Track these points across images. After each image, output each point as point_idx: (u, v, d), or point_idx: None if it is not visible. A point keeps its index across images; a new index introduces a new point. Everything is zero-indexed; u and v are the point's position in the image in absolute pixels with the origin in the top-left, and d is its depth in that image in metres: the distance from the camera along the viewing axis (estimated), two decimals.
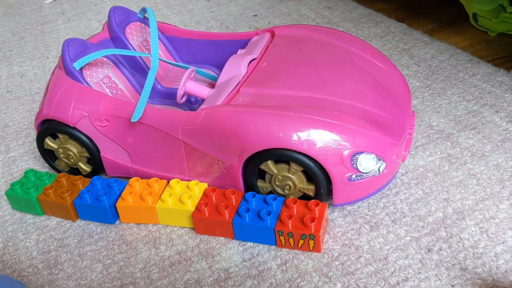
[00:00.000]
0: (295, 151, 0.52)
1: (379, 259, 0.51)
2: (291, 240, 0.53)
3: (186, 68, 0.70)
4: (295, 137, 0.52)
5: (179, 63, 0.71)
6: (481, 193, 0.58)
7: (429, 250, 0.52)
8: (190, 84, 0.62)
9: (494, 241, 0.52)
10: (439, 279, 0.49)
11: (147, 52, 0.74)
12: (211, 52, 0.76)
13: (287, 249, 0.54)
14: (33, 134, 0.78)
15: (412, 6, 1.09)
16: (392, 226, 0.55)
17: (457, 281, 0.48)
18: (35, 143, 0.76)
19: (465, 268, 0.49)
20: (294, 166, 0.54)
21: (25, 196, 0.61)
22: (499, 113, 0.71)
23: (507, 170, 0.61)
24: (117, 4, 1.24)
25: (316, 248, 0.53)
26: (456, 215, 0.56)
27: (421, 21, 1.03)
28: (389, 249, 0.52)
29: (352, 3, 1.12)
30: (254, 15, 1.12)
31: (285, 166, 0.55)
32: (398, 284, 0.49)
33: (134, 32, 0.74)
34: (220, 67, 0.77)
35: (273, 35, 0.71)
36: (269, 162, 0.55)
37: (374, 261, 0.51)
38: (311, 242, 0.52)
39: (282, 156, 0.53)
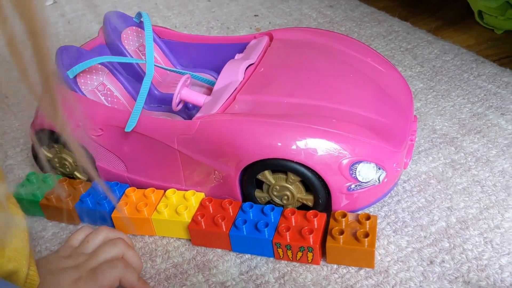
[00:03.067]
0: (293, 161, 0.51)
1: (379, 271, 0.50)
2: (289, 253, 0.52)
3: (181, 74, 0.68)
4: (292, 147, 0.50)
5: (175, 69, 0.70)
6: (485, 201, 0.56)
7: (431, 262, 0.50)
8: (185, 91, 0.60)
9: (499, 252, 0.50)
10: None
11: (143, 57, 0.73)
12: (209, 56, 0.75)
13: (286, 261, 0.52)
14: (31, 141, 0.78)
15: (416, 3, 1.07)
16: (393, 236, 0.54)
17: None
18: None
19: (469, 282, 0.48)
20: (292, 176, 0.52)
21: (30, 198, 0.60)
22: (505, 115, 0.69)
23: None
24: (118, 6, 1.23)
25: (315, 261, 0.51)
26: (460, 225, 0.54)
27: (425, 19, 1.00)
28: (390, 260, 0.51)
29: (354, 1, 1.10)
30: (255, 15, 1.10)
31: (282, 176, 0.53)
32: None
33: (131, 37, 0.72)
34: (218, 71, 0.75)
35: (271, 38, 0.69)
36: (266, 172, 0.53)
37: (374, 274, 0.50)
38: (310, 255, 0.51)
39: (280, 166, 0.52)
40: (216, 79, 0.74)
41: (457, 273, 0.49)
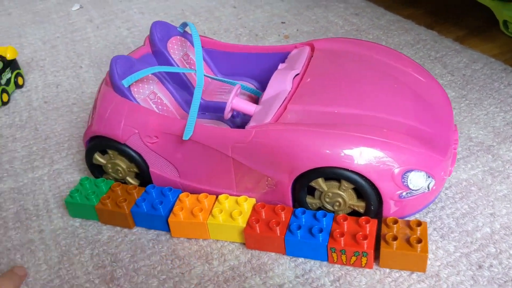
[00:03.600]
0: (347, 170, 0.53)
1: (431, 275, 0.52)
2: (343, 257, 0.54)
3: (231, 84, 0.71)
4: (346, 156, 0.53)
5: (225, 79, 0.72)
6: None
7: (480, 267, 0.53)
8: (236, 100, 0.63)
9: None
10: None
11: (188, 66, 0.75)
12: (249, 65, 0.77)
13: (339, 265, 0.55)
14: (75, 146, 0.80)
15: (440, 11, 1.10)
16: (441, 241, 0.56)
17: None
18: (77, 155, 0.78)
19: None
20: (345, 183, 0.55)
21: (85, 202, 0.63)
22: None
23: None
24: (144, 12, 1.26)
25: (369, 265, 0.54)
26: (504, 231, 0.56)
27: (450, 28, 1.03)
28: (439, 265, 0.53)
29: (379, 9, 1.12)
30: (282, 22, 1.13)
31: (335, 183, 0.56)
32: None
33: (175, 47, 0.75)
34: (258, 79, 0.78)
35: (312, 48, 0.72)
36: (320, 180, 0.56)
37: (426, 278, 0.52)
38: (364, 259, 0.53)
39: (334, 174, 0.54)
40: (256, 87, 0.77)
41: (506, 277, 0.51)
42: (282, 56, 0.74)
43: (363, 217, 0.55)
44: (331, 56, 0.69)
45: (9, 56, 0.95)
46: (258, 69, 0.77)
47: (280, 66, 0.70)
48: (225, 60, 0.78)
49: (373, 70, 0.65)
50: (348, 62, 0.67)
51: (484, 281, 0.51)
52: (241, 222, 0.58)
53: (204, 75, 0.68)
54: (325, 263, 0.55)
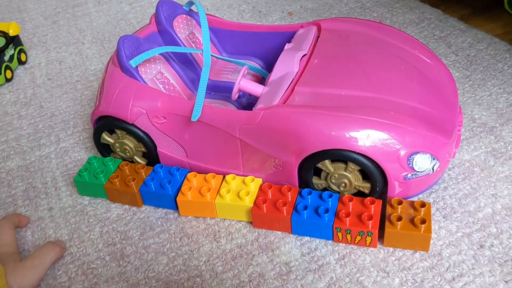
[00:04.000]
0: (354, 152, 0.54)
1: (433, 254, 0.54)
2: (348, 236, 0.55)
3: (238, 64, 0.71)
4: (354, 139, 0.54)
5: (231, 59, 0.72)
6: None
7: (481, 246, 0.54)
8: (244, 82, 0.63)
9: None
10: (493, 275, 0.51)
11: (194, 45, 0.75)
12: (254, 44, 0.77)
13: (344, 244, 0.56)
14: (80, 124, 0.81)
15: None
16: (444, 221, 0.58)
17: (510, 277, 0.51)
18: (83, 133, 0.78)
19: None
20: (351, 165, 0.56)
21: (94, 181, 0.64)
22: None
23: None
24: None
25: (373, 244, 0.55)
26: (505, 211, 0.58)
27: (455, 6, 1.02)
28: (442, 244, 0.55)
29: None
30: None
31: (342, 165, 0.57)
32: (454, 279, 0.51)
33: (181, 26, 0.75)
34: (263, 59, 0.78)
35: (319, 28, 0.72)
36: (327, 161, 0.57)
37: (429, 257, 0.54)
38: (368, 239, 0.55)
39: (341, 156, 0.55)
40: (261, 66, 0.77)
41: (506, 256, 0.53)
42: (287, 36, 0.74)
43: (368, 198, 0.56)
44: (338, 37, 0.69)
45: (11, 32, 0.95)
46: (263, 48, 0.77)
47: (287, 46, 0.70)
48: (231, 39, 0.78)
49: (380, 52, 0.66)
50: (355, 43, 0.67)
51: (485, 260, 0.53)
52: (248, 202, 0.59)
53: (211, 55, 0.68)
54: (330, 242, 0.57)
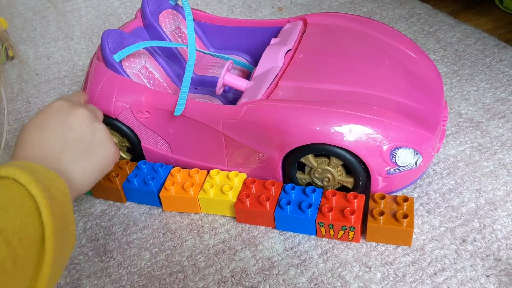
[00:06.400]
0: (337, 146, 0.54)
1: (416, 249, 0.54)
2: (331, 231, 0.55)
3: (223, 58, 0.71)
4: (337, 133, 0.54)
5: (217, 54, 0.72)
6: (511, 184, 0.60)
7: (463, 241, 0.54)
8: (228, 76, 0.63)
9: None
10: (474, 269, 0.51)
11: (180, 40, 0.75)
12: (242, 39, 0.77)
13: (327, 239, 0.56)
14: None
15: None
16: (427, 216, 0.57)
17: (491, 272, 0.51)
18: None
19: (499, 259, 0.52)
20: (334, 160, 0.56)
21: None
22: None
23: None
24: None
25: (356, 239, 0.55)
26: (489, 206, 0.58)
27: (444, 1, 1.02)
28: (424, 239, 0.55)
29: None
30: None
31: (325, 159, 0.57)
32: (435, 274, 0.51)
33: (167, 20, 0.74)
34: (250, 54, 0.78)
35: (305, 23, 0.71)
36: (310, 156, 0.57)
37: (411, 251, 0.54)
38: (351, 233, 0.55)
39: (324, 150, 0.55)
40: (248, 61, 0.77)
41: (488, 251, 0.53)
42: (275, 31, 0.74)
43: (351, 193, 0.56)
44: (324, 31, 0.69)
45: None
46: (250, 43, 0.77)
47: (273, 41, 0.70)
48: (217, 34, 0.78)
49: (365, 46, 0.65)
50: (340, 37, 0.67)
51: (467, 255, 0.53)
52: (232, 196, 0.59)
53: (196, 49, 0.68)
54: (313, 237, 0.57)
